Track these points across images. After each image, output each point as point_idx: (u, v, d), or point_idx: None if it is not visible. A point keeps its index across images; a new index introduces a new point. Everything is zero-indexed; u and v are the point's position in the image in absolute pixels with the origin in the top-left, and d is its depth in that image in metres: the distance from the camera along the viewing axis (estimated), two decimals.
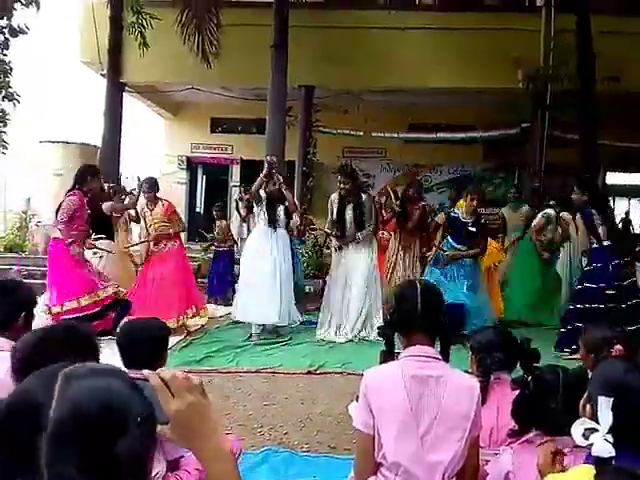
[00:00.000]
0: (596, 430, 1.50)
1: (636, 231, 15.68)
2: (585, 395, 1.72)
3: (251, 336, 6.94)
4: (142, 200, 7.53)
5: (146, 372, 1.11)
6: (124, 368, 2.84)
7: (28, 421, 0.89)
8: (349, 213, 7.04)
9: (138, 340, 2.82)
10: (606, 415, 1.49)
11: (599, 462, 1.46)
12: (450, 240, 7.16)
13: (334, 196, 7.20)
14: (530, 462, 2.08)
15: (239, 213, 10.92)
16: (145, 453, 0.94)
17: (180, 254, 7.45)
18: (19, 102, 11.86)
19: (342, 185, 7.03)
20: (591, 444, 1.49)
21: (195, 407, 1.12)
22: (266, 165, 7.06)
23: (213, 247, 9.82)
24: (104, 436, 0.88)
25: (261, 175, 7.04)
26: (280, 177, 7.17)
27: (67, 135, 14.72)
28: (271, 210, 6.97)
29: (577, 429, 1.54)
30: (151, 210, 7.35)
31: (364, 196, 7.21)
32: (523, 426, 2.46)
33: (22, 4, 10.49)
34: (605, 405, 1.51)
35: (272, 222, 6.96)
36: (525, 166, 12.18)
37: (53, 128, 20.93)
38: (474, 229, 6.99)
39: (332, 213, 7.18)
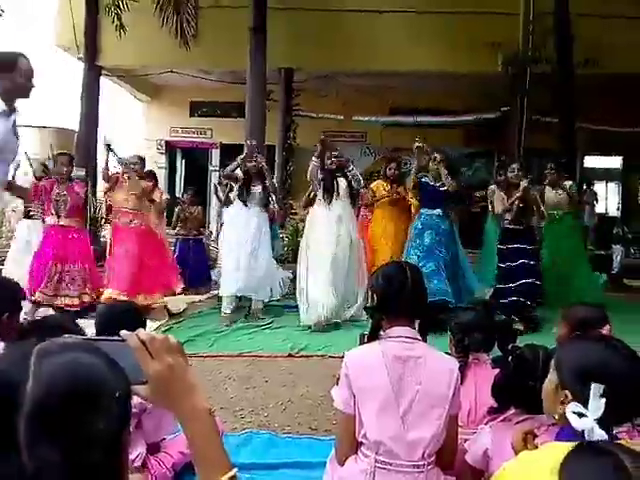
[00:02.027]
0: (584, 415, 1.51)
1: (612, 214, 15.92)
2: (554, 378, 1.72)
3: (250, 313, 7.07)
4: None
5: (124, 333, 1.11)
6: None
7: (4, 401, 0.88)
8: (342, 182, 6.98)
9: (116, 322, 2.81)
10: (598, 400, 1.51)
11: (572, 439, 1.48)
12: (423, 210, 7.01)
13: (314, 160, 7.03)
14: (508, 440, 2.11)
15: (218, 198, 10.84)
16: (122, 429, 0.94)
17: (143, 233, 7.08)
18: None
19: (333, 159, 6.99)
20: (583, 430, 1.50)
21: (174, 368, 1.12)
22: (246, 149, 7.04)
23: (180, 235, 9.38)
24: (80, 413, 0.88)
25: (239, 157, 7.04)
26: (262, 158, 7.17)
27: (44, 120, 14.48)
28: (245, 188, 6.98)
29: (572, 412, 1.55)
30: (127, 180, 7.08)
31: (351, 167, 7.16)
32: (502, 404, 2.50)
33: None
34: (596, 390, 1.52)
35: (244, 200, 6.97)
36: (505, 150, 12.24)
37: (29, 112, 20.63)
38: (445, 189, 6.86)
39: (319, 182, 7.00)
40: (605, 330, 2.76)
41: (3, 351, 1.09)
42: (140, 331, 1.13)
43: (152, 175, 8.28)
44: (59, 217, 6.74)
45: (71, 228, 6.82)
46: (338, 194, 6.92)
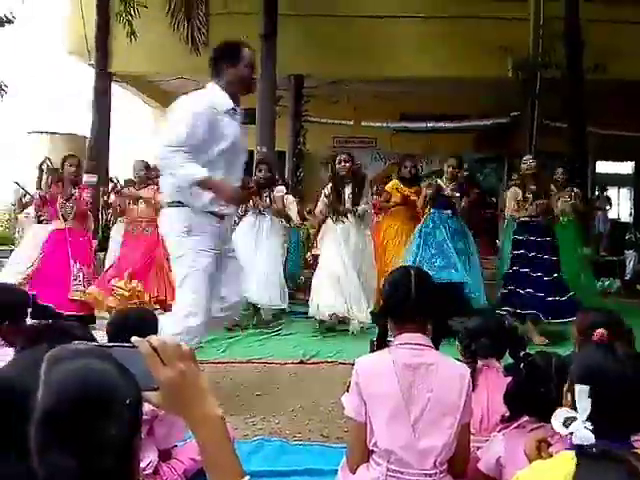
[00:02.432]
0: (576, 418, 1.51)
1: (624, 220, 15.82)
2: (567, 383, 1.72)
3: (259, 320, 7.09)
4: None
5: (135, 339, 1.10)
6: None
7: (15, 409, 0.88)
8: (347, 191, 6.97)
9: (129, 330, 2.81)
10: (584, 403, 1.51)
11: (579, 450, 1.48)
12: (433, 211, 6.98)
13: (327, 188, 7.13)
14: (521, 448, 2.10)
15: None
16: (134, 435, 0.94)
17: (152, 241, 7.08)
18: (6, 93, 11.78)
19: (343, 164, 6.96)
20: (571, 433, 1.50)
21: (186, 375, 1.11)
22: (256, 156, 7.10)
23: None
24: (92, 419, 0.88)
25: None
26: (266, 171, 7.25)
27: (55, 126, 14.60)
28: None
29: (557, 418, 1.55)
30: (138, 190, 7.19)
31: (361, 175, 7.18)
32: (515, 412, 2.48)
33: None
34: (582, 393, 1.52)
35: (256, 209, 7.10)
36: (515, 155, 12.19)
37: (41, 119, 20.79)
38: (457, 194, 6.87)
39: (328, 195, 7.05)
40: (597, 335, 2.68)
41: (14, 357, 1.09)
42: (152, 337, 1.13)
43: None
44: (65, 221, 6.81)
45: (74, 230, 6.85)
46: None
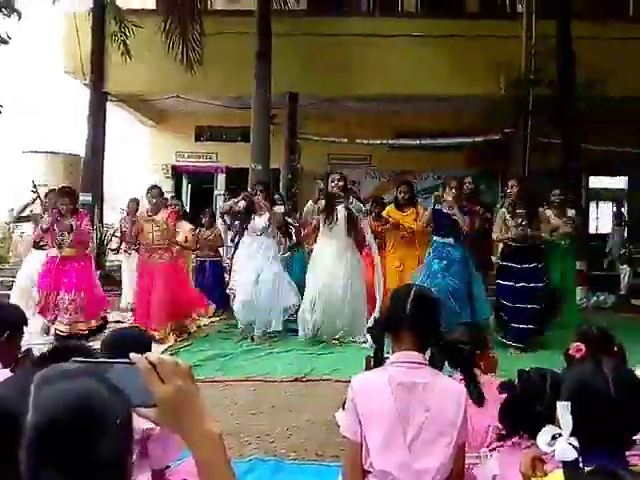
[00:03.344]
0: (560, 435, 1.51)
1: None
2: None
3: (252, 339, 7.13)
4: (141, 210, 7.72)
5: (133, 356, 1.10)
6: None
7: (5, 429, 0.88)
8: (341, 211, 7.04)
9: (122, 348, 2.80)
10: (566, 419, 1.51)
11: (565, 465, 1.48)
12: (435, 238, 6.95)
13: (318, 203, 7.23)
14: (516, 465, 2.08)
15: (224, 221, 10.87)
16: (125, 454, 0.93)
17: (170, 270, 7.29)
18: (1, 112, 11.80)
19: (336, 182, 7.04)
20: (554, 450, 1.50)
21: (183, 391, 1.11)
22: (251, 174, 7.18)
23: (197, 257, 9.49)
24: (83, 439, 0.88)
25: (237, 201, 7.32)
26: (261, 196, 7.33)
27: (51, 145, 14.59)
28: (247, 219, 7.23)
29: (543, 436, 1.55)
30: (152, 217, 7.24)
31: (353, 198, 7.25)
32: (510, 429, 2.47)
33: (3, 14, 10.44)
34: (564, 409, 1.52)
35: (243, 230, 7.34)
36: (508, 172, 12.25)
37: (37, 138, 20.78)
38: (456, 219, 6.73)
39: (319, 210, 7.16)
40: (573, 349, 2.67)
41: (3, 379, 1.09)
42: (150, 354, 1.13)
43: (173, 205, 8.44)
44: (61, 248, 6.91)
45: (71, 258, 6.97)
46: (337, 221, 7.03)
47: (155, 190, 7.32)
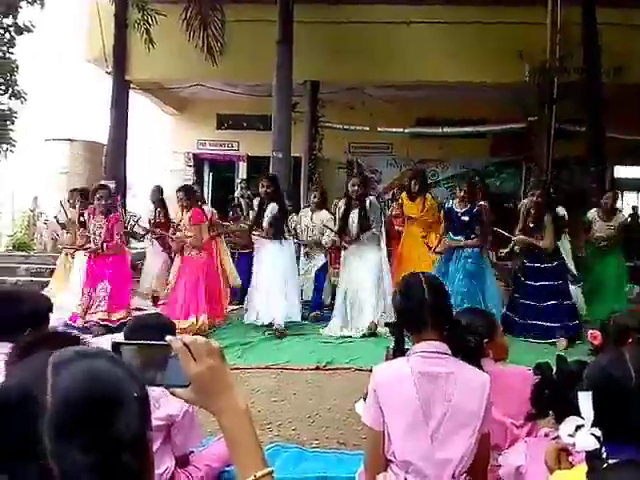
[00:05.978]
0: (583, 426, 1.49)
1: None
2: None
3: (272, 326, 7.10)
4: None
5: (169, 337, 1.17)
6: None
7: (25, 414, 0.89)
8: (354, 216, 7.11)
9: (147, 333, 2.80)
10: (587, 409, 1.48)
11: (588, 456, 1.46)
12: (449, 233, 7.33)
13: (341, 202, 7.40)
14: (542, 457, 2.06)
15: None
16: (145, 429, 0.97)
17: (201, 265, 7.37)
18: (25, 100, 11.92)
19: (354, 187, 7.12)
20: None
21: (214, 369, 1.18)
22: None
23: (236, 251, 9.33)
24: (104, 416, 0.90)
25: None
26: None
27: (73, 133, 14.69)
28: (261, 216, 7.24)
29: (566, 427, 1.53)
30: (181, 219, 7.43)
31: (371, 198, 7.30)
32: (540, 412, 2.42)
33: (27, 2, 10.53)
34: (585, 399, 1.49)
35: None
36: (532, 160, 12.12)
37: (59, 126, 20.94)
38: (466, 218, 7.11)
39: (338, 217, 7.36)
40: (591, 337, 2.63)
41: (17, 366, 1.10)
42: (184, 336, 1.21)
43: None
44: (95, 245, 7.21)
45: (106, 255, 7.23)
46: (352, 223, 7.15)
47: (181, 192, 7.45)
